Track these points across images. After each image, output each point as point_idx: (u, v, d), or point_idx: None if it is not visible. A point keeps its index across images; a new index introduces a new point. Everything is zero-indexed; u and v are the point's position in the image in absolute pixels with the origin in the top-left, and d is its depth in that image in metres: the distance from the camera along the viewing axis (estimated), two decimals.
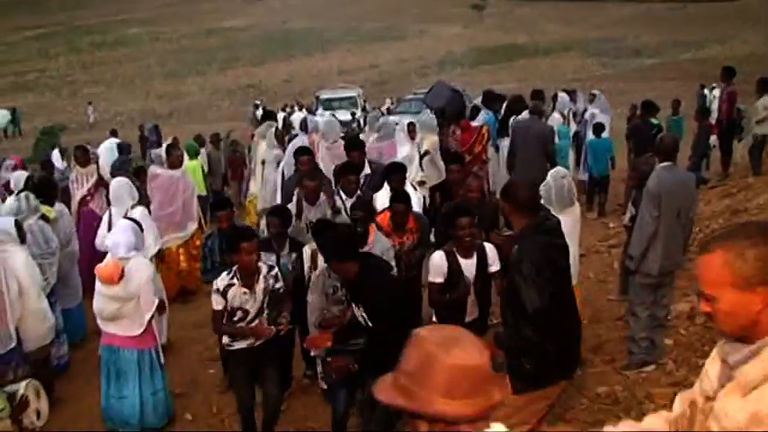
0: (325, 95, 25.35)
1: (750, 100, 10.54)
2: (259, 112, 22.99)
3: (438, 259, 4.51)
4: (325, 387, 4.62)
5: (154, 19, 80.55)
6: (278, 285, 4.51)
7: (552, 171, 5.39)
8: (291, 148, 8.44)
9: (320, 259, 4.73)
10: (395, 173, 6.16)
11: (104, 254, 5.01)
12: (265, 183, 9.08)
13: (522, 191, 3.66)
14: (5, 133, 33.70)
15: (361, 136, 13.08)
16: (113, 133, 17.33)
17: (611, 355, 5.57)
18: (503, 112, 10.44)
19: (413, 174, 8.20)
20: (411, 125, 8.77)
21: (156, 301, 4.79)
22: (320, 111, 21.64)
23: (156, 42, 67.79)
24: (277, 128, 10.40)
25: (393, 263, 4.88)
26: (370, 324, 4.05)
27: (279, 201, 6.99)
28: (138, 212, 6.38)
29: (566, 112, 11.61)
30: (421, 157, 8.44)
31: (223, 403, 5.49)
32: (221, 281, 4.41)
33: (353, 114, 22.84)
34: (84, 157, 8.53)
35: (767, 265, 1.67)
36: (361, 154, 6.98)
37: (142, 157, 15.78)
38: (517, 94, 10.83)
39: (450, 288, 4.49)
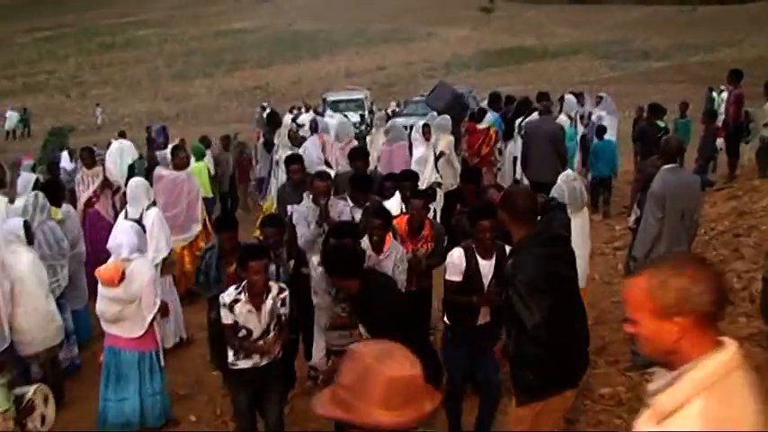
0: (332, 97, 25.30)
1: (758, 103, 10.52)
2: (265, 115, 22.98)
3: (457, 257, 4.29)
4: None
5: (162, 21, 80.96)
6: (282, 311, 4.25)
7: (562, 175, 5.38)
8: (303, 149, 8.52)
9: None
10: (406, 180, 6.06)
11: (109, 255, 4.95)
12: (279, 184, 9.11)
13: (521, 199, 3.53)
14: (15, 134, 33.92)
15: (368, 137, 13.18)
16: (122, 135, 17.34)
17: (614, 356, 5.56)
18: (510, 115, 10.47)
19: (428, 175, 8.21)
20: (426, 127, 8.75)
21: (158, 304, 4.78)
22: (328, 112, 21.62)
23: (164, 44, 68.08)
24: (291, 128, 10.42)
25: (405, 275, 4.80)
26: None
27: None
28: (153, 213, 6.38)
29: (573, 114, 11.59)
30: (436, 159, 8.44)
31: (227, 406, 5.43)
32: (228, 296, 4.14)
33: (362, 116, 22.82)
34: (89, 158, 8.58)
35: (687, 296, 1.65)
36: (366, 162, 6.97)
37: (148, 158, 15.79)
38: (524, 96, 10.85)
39: (467, 287, 4.29)
